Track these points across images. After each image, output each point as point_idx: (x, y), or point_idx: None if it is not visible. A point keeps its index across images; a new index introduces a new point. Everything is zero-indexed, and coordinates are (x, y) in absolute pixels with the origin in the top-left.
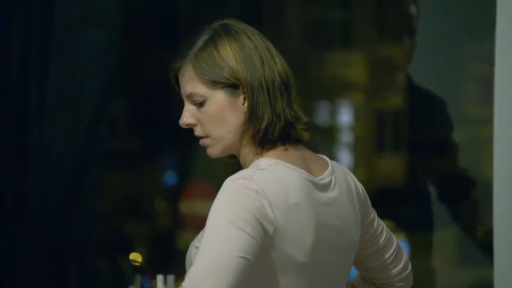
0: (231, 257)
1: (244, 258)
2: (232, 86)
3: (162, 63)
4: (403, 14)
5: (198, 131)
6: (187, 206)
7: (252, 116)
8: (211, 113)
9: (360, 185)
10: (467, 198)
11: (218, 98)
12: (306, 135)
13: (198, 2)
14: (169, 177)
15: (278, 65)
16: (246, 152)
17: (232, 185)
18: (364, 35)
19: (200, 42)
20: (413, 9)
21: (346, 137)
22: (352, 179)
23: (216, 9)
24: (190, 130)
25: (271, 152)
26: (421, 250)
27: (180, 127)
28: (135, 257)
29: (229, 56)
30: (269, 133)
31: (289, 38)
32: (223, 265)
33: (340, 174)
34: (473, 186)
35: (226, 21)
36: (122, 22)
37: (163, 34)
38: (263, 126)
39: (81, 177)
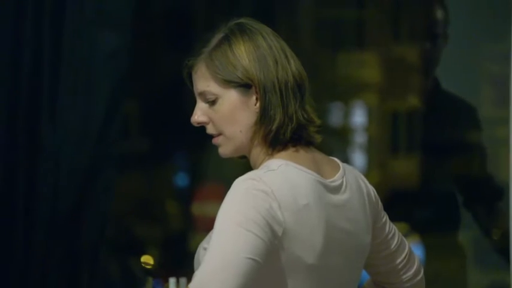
0: (239, 259)
1: (252, 259)
2: (245, 85)
3: (174, 63)
4: (428, 18)
5: (209, 129)
6: (199, 208)
7: (263, 117)
8: (223, 112)
9: (371, 188)
10: (483, 200)
11: (230, 97)
12: (318, 138)
13: (210, 2)
14: (181, 179)
15: (292, 66)
16: (257, 152)
17: (241, 185)
18: (379, 35)
19: (215, 41)
20: (439, 13)
21: (359, 139)
22: (364, 182)
23: (228, 9)
24: (202, 131)
25: (282, 153)
26: (435, 253)
27: (191, 129)
28: (147, 259)
29: (243, 55)
30: (280, 134)
31: (302, 38)
32: (231, 266)
33: (351, 176)
34: (490, 188)
35: (241, 20)
36: (133, 22)
37: (175, 34)
38: (274, 127)
39: (92, 179)
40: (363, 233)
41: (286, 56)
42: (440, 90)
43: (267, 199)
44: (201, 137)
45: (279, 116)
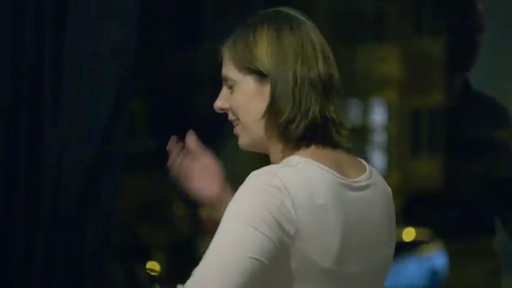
0: (242, 257)
1: (256, 259)
2: (261, 74)
3: (183, 59)
4: (470, 9)
5: (230, 116)
6: (208, 211)
7: (271, 107)
8: (239, 98)
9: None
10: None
11: (247, 84)
12: (344, 142)
13: None
14: None
15: (320, 63)
16: (276, 150)
17: (254, 180)
18: (400, 27)
19: (243, 27)
20: (480, 4)
21: (379, 137)
22: (389, 189)
23: (240, 3)
24: (211, 130)
25: (304, 151)
26: (459, 260)
27: (200, 127)
28: (153, 265)
29: (263, 44)
30: (291, 129)
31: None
32: (232, 265)
33: (378, 181)
34: None
35: (279, 8)
36: (140, 17)
37: (183, 31)
38: (283, 119)
39: (96, 181)
40: (385, 241)
41: (315, 51)
42: (468, 87)
43: (279, 196)
44: (211, 136)
45: (288, 109)
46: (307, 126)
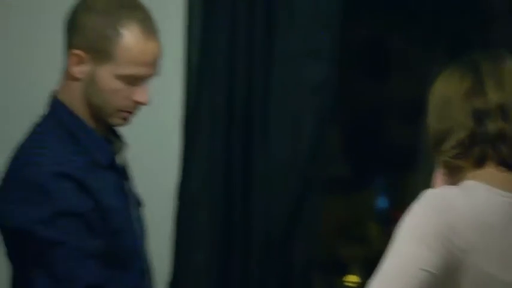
0: (414, 269)
1: (426, 271)
2: None
3: (374, 92)
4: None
5: None
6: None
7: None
8: None
9: None
10: None
11: None
12: None
13: (407, 31)
14: (382, 202)
15: (490, 93)
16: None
17: (426, 199)
18: None
19: None
20: None
21: None
22: None
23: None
24: (404, 158)
25: (480, 175)
26: None
27: (390, 153)
28: (352, 278)
29: None
30: (447, 147)
31: None
32: (407, 276)
33: None
34: None
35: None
36: (338, 53)
37: (374, 62)
38: (433, 140)
39: (302, 203)
40: None
41: (484, 84)
42: None
43: (448, 214)
44: (404, 164)
45: (431, 128)
46: (465, 141)
